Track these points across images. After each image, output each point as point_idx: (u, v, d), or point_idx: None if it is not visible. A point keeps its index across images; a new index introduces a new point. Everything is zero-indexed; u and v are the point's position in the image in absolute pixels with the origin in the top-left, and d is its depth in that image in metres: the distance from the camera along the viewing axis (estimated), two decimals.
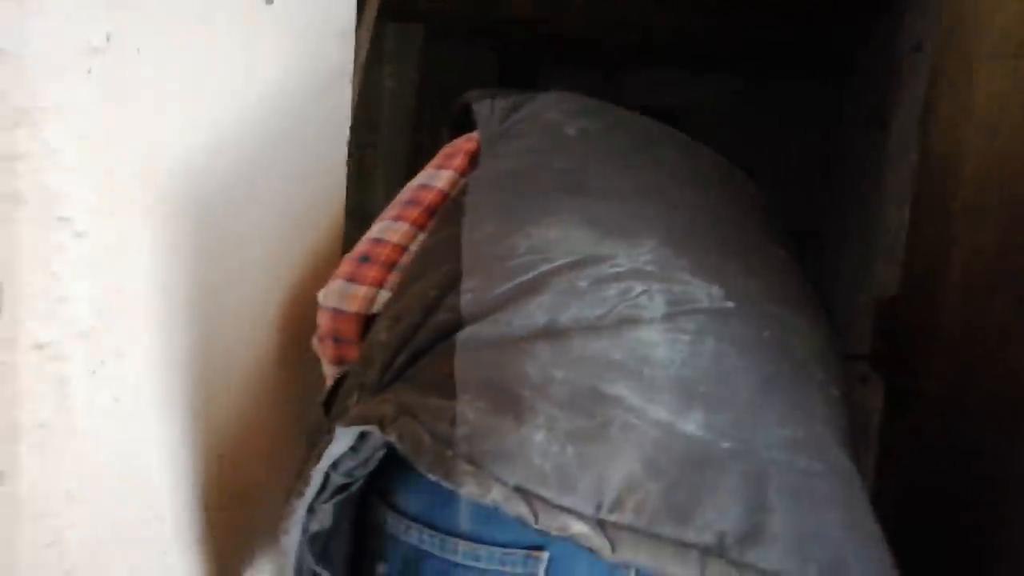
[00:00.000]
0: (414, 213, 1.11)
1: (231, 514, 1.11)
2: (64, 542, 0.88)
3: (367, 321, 1.05)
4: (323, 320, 1.09)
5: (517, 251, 0.91)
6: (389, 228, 1.10)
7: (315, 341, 1.13)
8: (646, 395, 0.82)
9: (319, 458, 0.87)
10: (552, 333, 0.85)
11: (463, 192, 1.05)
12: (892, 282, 1.91)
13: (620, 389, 0.82)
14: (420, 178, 1.15)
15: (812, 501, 0.82)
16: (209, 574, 1.08)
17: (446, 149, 1.17)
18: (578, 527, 0.77)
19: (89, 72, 0.85)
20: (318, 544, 0.94)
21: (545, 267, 0.90)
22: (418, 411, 0.83)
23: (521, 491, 0.78)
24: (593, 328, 0.85)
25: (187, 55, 0.97)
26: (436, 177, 1.14)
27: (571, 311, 0.86)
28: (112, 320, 0.92)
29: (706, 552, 0.78)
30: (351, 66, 1.23)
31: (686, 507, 0.79)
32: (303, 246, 1.20)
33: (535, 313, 0.86)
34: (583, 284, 0.88)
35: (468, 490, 0.78)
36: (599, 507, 0.78)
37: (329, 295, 1.08)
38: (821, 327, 0.98)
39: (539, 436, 0.79)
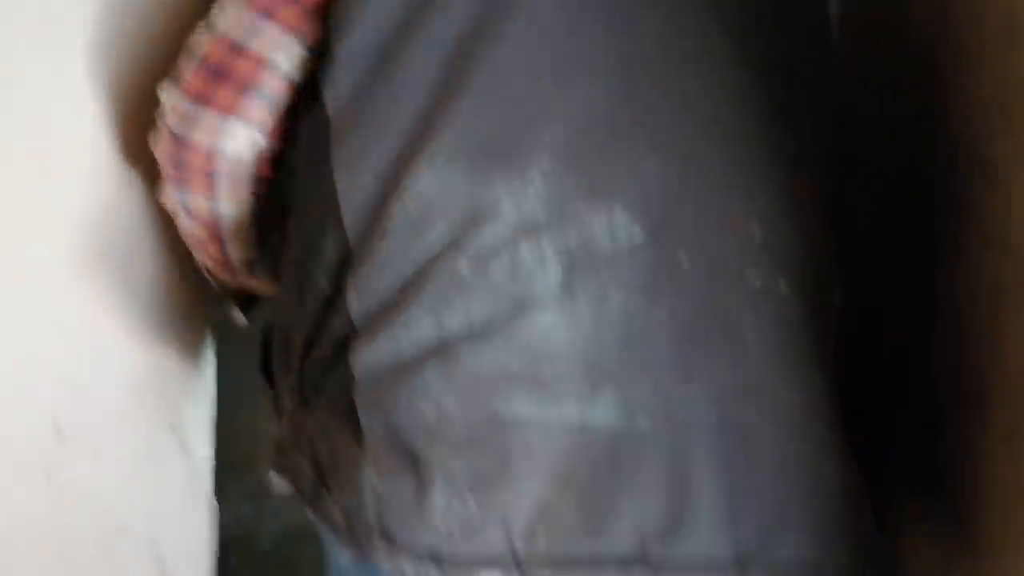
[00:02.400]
0: (289, 13, 0.83)
1: None
2: None
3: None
4: (164, 155, 0.86)
5: (392, 223, 0.79)
6: (253, 29, 0.82)
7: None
8: (549, 399, 0.77)
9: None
10: (441, 350, 0.77)
11: (321, 76, 0.82)
12: None
13: (520, 406, 0.77)
14: None
15: (750, 458, 0.78)
16: None
17: None
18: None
19: None
20: None
21: (420, 247, 0.78)
22: (330, 479, 0.79)
23: (432, 556, 0.76)
24: (483, 333, 0.77)
25: None
26: None
27: (457, 313, 0.77)
28: None
29: (623, 563, 0.76)
30: None
31: (601, 515, 0.76)
32: None
33: (421, 322, 0.78)
34: (465, 271, 0.78)
35: (382, 564, 0.77)
36: (511, 546, 0.76)
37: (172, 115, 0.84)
38: (781, 170, 0.84)
39: (439, 499, 0.76)
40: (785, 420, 0.79)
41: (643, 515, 0.76)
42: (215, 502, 1.14)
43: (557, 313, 0.77)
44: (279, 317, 0.90)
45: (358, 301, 0.79)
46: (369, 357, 0.78)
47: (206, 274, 0.97)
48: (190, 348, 1.06)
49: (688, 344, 0.78)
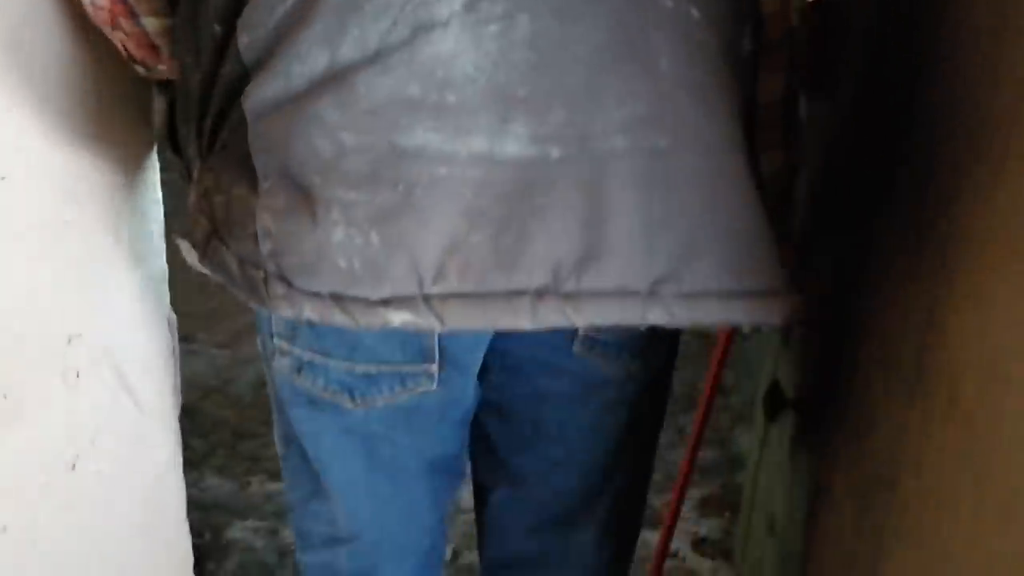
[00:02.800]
0: None
1: None
2: None
3: None
4: None
5: None
6: None
7: None
8: (455, 129, 0.72)
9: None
10: (336, 78, 0.72)
11: None
12: None
13: (422, 136, 0.72)
14: None
15: (663, 185, 0.75)
16: None
17: None
18: (399, 317, 0.73)
19: None
20: None
21: None
22: (223, 231, 0.76)
23: (336, 298, 0.73)
24: (379, 56, 0.71)
25: None
26: None
27: (350, 36, 0.71)
28: None
29: (538, 294, 0.74)
30: None
31: (515, 248, 0.73)
32: None
33: (312, 51, 0.72)
34: None
35: (284, 313, 0.74)
36: (421, 285, 0.73)
37: None
38: None
39: (338, 234, 0.72)
40: (700, 148, 0.76)
41: (557, 247, 0.74)
42: (173, 315, 1.11)
43: (461, 35, 0.71)
44: (180, 79, 0.84)
45: (248, 40, 0.73)
46: (260, 95, 0.73)
47: (130, 62, 0.91)
48: (132, 160, 1.01)
49: (600, 68, 0.73)
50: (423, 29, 0.71)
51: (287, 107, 0.73)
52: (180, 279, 1.08)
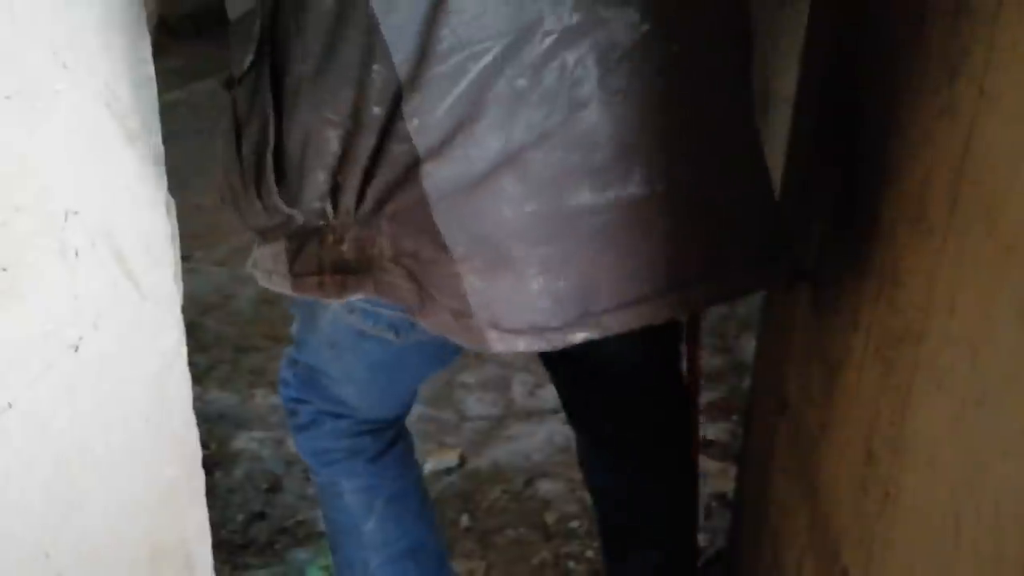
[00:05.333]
0: None
1: None
2: None
3: None
4: None
5: (441, 49, 0.84)
6: None
7: None
8: (601, 185, 0.89)
9: (340, 296, 0.99)
10: (511, 159, 0.86)
11: None
12: None
13: (583, 196, 0.89)
14: None
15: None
16: None
17: None
18: (580, 335, 0.93)
19: None
20: None
21: (477, 69, 0.84)
22: (433, 290, 0.92)
23: (535, 330, 0.92)
24: (546, 137, 0.87)
25: None
26: None
27: (520, 123, 0.86)
28: None
29: (659, 293, 0.95)
30: None
31: (643, 265, 0.93)
32: None
33: (488, 138, 0.86)
34: (523, 83, 0.85)
35: (497, 351, 0.93)
36: (590, 308, 0.92)
37: None
38: None
39: (535, 284, 0.90)
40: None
41: (678, 260, 0.93)
42: (171, 199, 1.07)
43: (601, 108, 0.87)
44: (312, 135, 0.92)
45: (419, 127, 0.86)
46: (442, 176, 0.87)
47: None
48: (121, 19, 0.96)
49: (684, 122, 0.92)
50: (574, 109, 0.86)
51: (470, 186, 0.87)
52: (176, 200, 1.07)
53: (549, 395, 2.18)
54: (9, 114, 0.82)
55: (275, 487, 1.90)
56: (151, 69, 1.01)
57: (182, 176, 1.15)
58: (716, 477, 1.90)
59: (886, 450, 0.83)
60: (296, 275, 1.02)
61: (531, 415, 2.11)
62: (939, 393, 0.73)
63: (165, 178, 1.07)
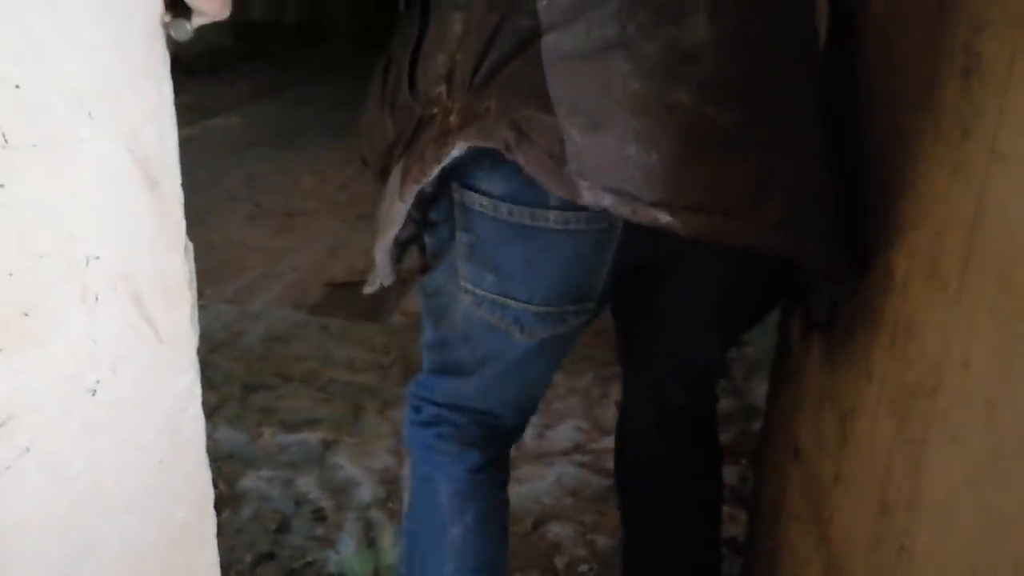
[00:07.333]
0: None
1: None
2: None
3: None
4: None
5: None
6: None
7: None
8: (696, 93, 0.95)
9: (439, 159, 1.02)
10: (624, 43, 0.95)
11: None
12: None
13: (681, 96, 0.96)
14: None
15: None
16: None
17: None
18: (664, 218, 0.96)
19: None
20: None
21: None
22: (533, 133, 0.97)
23: (622, 195, 0.96)
24: (655, 31, 0.95)
25: None
26: None
27: (638, 19, 0.95)
28: None
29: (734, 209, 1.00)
30: None
31: (720, 173, 0.98)
32: None
33: (607, 24, 0.95)
34: None
35: (585, 200, 0.97)
36: (676, 198, 0.96)
37: None
38: None
39: (631, 149, 0.95)
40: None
41: (760, 195, 0.98)
42: (190, 243, 1.08)
43: (705, 21, 0.95)
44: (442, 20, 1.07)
45: (548, 5, 0.96)
46: (560, 47, 0.96)
47: None
48: (146, 66, 0.98)
49: (770, 58, 1.01)
50: (681, 15, 0.95)
51: (584, 56, 0.96)
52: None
53: (559, 437, 2.17)
54: (35, 162, 0.84)
55: (283, 527, 1.89)
56: (173, 114, 1.03)
57: (195, 213, 1.16)
58: (726, 522, 1.89)
59: (901, 503, 0.83)
60: (406, 172, 1.08)
61: (541, 457, 2.10)
62: (954, 447, 0.73)
63: (184, 222, 1.08)
